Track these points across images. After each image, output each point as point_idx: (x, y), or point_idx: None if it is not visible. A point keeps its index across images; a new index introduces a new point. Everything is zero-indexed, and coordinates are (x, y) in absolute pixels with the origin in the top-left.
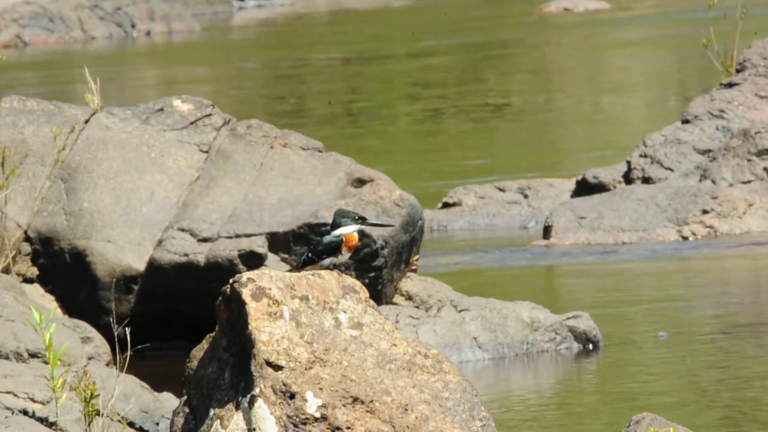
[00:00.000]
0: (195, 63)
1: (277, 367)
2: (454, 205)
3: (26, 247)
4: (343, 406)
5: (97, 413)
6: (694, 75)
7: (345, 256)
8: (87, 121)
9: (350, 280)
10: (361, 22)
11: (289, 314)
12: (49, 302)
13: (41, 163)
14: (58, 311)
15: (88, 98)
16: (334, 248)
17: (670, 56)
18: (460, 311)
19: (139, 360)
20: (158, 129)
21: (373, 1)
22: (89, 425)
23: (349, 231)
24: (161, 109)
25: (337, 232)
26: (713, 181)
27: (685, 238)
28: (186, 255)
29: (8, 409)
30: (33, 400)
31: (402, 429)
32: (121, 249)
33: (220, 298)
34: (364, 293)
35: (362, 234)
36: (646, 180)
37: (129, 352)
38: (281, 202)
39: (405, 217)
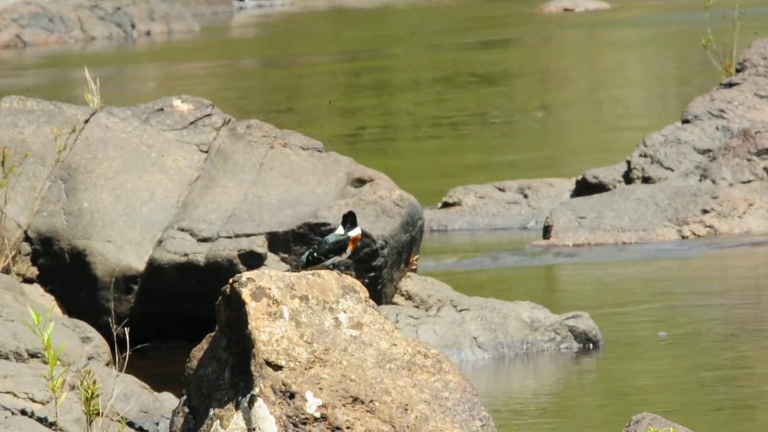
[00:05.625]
0: (195, 63)
1: (277, 367)
2: (454, 204)
3: (26, 247)
4: (343, 405)
5: (97, 413)
6: (694, 75)
7: (347, 254)
8: (87, 121)
9: (350, 280)
10: (361, 21)
11: (288, 314)
12: (49, 302)
13: (41, 163)
14: (57, 310)
15: (88, 98)
16: (341, 247)
17: (670, 56)
18: (460, 311)
19: (139, 360)
20: (158, 129)
21: (372, 1)
22: (90, 425)
23: (356, 232)
24: (161, 109)
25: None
26: (713, 181)
27: (685, 238)
28: (186, 255)
29: (8, 409)
30: (33, 400)
31: (402, 429)
32: (121, 249)
33: (219, 298)
34: (364, 293)
35: (362, 234)
36: (646, 180)
37: (129, 352)
38: (281, 202)
39: (405, 217)
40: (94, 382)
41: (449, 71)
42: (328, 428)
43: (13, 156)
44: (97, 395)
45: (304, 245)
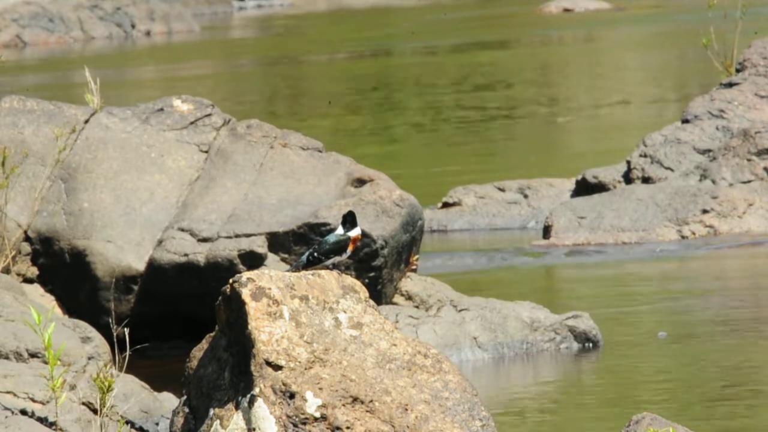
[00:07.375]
0: (195, 63)
1: (277, 367)
2: (454, 204)
3: (26, 247)
4: (343, 405)
5: (95, 412)
6: (694, 75)
7: (347, 254)
8: (87, 121)
9: (350, 280)
10: (361, 21)
11: (288, 314)
12: (49, 302)
13: (41, 163)
14: (58, 311)
15: (88, 98)
16: (342, 247)
17: (669, 56)
18: (460, 311)
19: (139, 360)
20: (158, 129)
21: (372, 1)
22: (101, 411)
23: (356, 232)
24: (161, 109)
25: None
26: (713, 181)
27: (685, 238)
28: (186, 255)
29: (8, 409)
30: (33, 400)
31: (402, 429)
32: (121, 249)
33: (220, 298)
34: (364, 293)
35: (362, 234)
36: (646, 180)
37: (128, 352)
38: (281, 202)
39: (405, 217)
40: (112, 374)
41: (449, 71)
42: (328, 428)
43: (13, 156)
44: (113, 389)
45: (304, 245)
